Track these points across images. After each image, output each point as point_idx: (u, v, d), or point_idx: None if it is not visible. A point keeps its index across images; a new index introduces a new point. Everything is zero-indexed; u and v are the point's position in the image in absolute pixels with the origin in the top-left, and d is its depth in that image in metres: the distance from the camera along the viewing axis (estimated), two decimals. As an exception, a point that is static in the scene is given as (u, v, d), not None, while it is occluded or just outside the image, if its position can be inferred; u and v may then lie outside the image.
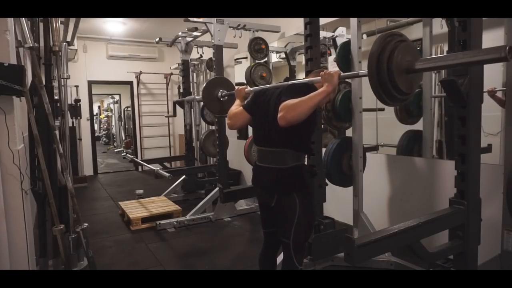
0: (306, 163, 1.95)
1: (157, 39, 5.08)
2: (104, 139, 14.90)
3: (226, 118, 2.14)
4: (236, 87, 2.23)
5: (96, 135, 10.05)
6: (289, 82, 1.87)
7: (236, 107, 2.08)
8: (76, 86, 6.91)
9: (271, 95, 1.89)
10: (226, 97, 2.69)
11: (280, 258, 2.11)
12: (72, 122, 6.45)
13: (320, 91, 1.64)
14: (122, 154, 5.81)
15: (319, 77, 1.71)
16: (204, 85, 2.76)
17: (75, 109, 6.49)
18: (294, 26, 4.27)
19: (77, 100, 6.63)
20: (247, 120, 2.00)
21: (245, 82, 4.10)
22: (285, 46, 4.58)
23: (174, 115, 6.20)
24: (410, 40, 1.47)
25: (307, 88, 1.75)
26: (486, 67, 1.86)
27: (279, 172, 1.82)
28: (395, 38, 1.41)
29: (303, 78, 1.98)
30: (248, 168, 4.97)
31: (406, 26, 3.31)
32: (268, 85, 2.06)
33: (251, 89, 2.15)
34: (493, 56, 1.21)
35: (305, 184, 1.85)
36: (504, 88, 2.21)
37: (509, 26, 2.11)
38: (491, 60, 1.23)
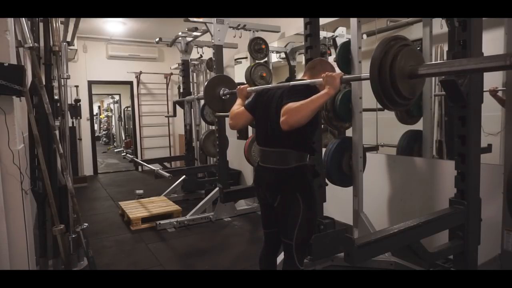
0: (308, 162, 1.93)
1: (157, 39, 5.08)
2: (104, 139, 14.90)
3: (228, 118, 2.13)
4: (238, 86, 2.22)
5: (96, 135, 10.05)
6: (291, 83, 1.85)
7: (237, 106, 2.07)
8: (76, 86, 6.91)
9: (273, 95, 1.88)
10: (228, 96, 2.68)
11: (280, 257, 2.11)
12: (72, 122, 6.45)
13: (322, 93, 1.62)
14: (122, 154, 5.82)
15: (321, 79, 1.68)
16: (206, 83, 2.76)
17: (75, 109, 6.49)
18: (294, 26, 4.27)
19: (77, 100, 6.63)
20: (249, 120, 2.00)
21: (245, 82, 4.09)
22: (285, 46, 4.58)
23: (174, 115, 6.21)
24: (413, 45, 1.46)
25: (308, 90, 1.73)
26: (486, 67, 1.86)
27: (282, 173, 1.81)
28: (398, 42, 1.40)
29: (303, 77, 1.96)
30: (248, 168, 4.97)
31: (406, 26, 3.31)
32: (270, 85, 2.05)
33: (253, 88, 2.14)
34: (497, 64, 1.20)
35: (308, 185, 1.84)
36: (504, 88, 2.21)
37: (509, 26, 2.11)
38: (495, 68, 1.23)
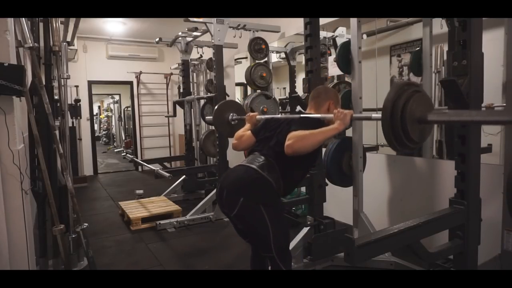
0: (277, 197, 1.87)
1: (157, 39, 5.08)
2: (104, 139, 14.90)
3: (233, 138, 2.20)
4: (248, 114, 2.31)
5: (96, 135, 10.05)
6: (301, 115, 1.93)
7: (244, 130, 2.16)
8: (76, 86, 6.91)
9: (281, 122, 1.95)
10: (236, 121, 2.73)
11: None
12: (72, 122, 6.45)
13: (331, 127, 1.70)
14: (122, 154, 5.82)
15: (332, 115, 1.77)
16: (216, 107, 2.81)
17: (75, 109, 6.49)
18: (294, 26, 4.27)
19: (77, 100, 6.63)
20: (253, 143, 2.04)
21: (245, 82, 4.09)
22: (285, 46, 4.58)
23: (174, 115, 6.21)
24: (425, 91, 1.51)
25: (318, 122, 1.81)
26: (486, 66, 1.87)
27: (254, 175, 1.77)
28: (411, 87, 1.45)
29: (309, 108, 2.04)
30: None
31: (406, 26, 3.31)
32: (279, 115, 2.14)
33: (263, 117, 2.20)
34: (505, 119, 1.23)
35: (273, 203, 1.80)
36: (504, 105, 2.19)
37: (509, 26, 2.11)
38: (502, 122, 1.27)
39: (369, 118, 1.66)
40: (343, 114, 1.70)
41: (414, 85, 1.48)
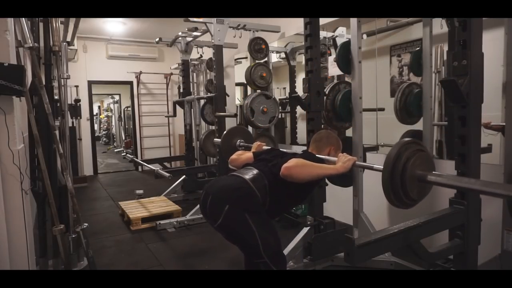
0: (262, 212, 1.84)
1: (157, 39, 5.09)
2: (104, 139, 14.91)
3: (233, 154, 2.27)
4: (256, 142, 2.40)
5: (96, 135, 10.05)
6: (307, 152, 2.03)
7: (247, 151, 2.26)
8: (76, 86, 6.91)
9: (286, 153, 2.01)
10: (243, 148, 2.77)
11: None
12: (72, 122, 6.45)
13: (332, 167, 1.77)
14: (122, 154, 5.82)
15: (335, 158, 1.84)
16: (225, 132, 2.85)
17: (75, 109, 6.49)
18: (294, 26, 4.27)
19: (77, 100, 6.63)
20: (250, 162, 2.08)
21: (245, 82, 4.09)
22: (285, 46, 4.58)
23: (174, 115, 6.21)
24: (428, 151, 1.54)
25: (320, 161, 1.88)
26: (486, 66, 1.87)
27: (243, 184, 1.77)
28: (416, 146, 1.48)
29: (311, 149, 2.10)
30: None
31: (406, 26, 3.31)
32: (286, 150, 2.20)
33: (269, 148, 2.28)
34: (502, 192, 1.25)
35: (258, 214, 1.78)
36: (504, 124, 2.16)
37: (509, 26, 2.11)
38: (499, 195, 1.29)
39: (371, 168, 1.69)
40: (347, 159, 1.77)
41: (419, 144, 1.52)
